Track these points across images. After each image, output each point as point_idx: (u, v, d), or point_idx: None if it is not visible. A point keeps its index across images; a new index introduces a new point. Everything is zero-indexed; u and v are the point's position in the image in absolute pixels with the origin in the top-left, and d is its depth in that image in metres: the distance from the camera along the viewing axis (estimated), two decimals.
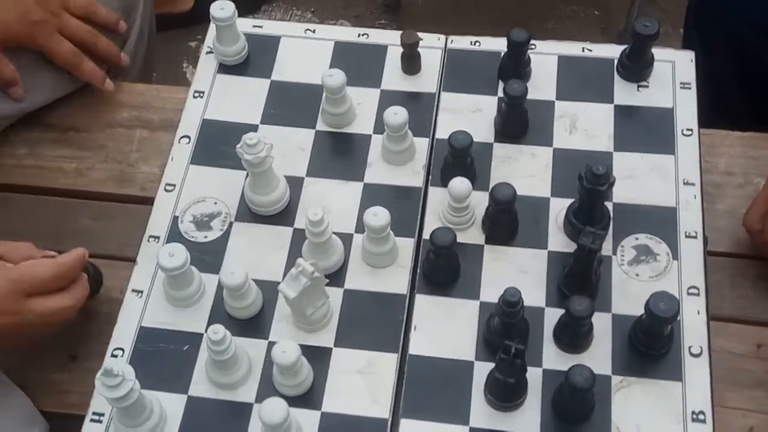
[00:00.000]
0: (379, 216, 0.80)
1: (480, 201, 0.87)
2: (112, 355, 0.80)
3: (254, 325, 0.82)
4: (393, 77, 0.97)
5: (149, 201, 0.91)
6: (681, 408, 0.76)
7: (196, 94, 0.96)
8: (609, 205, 0.85)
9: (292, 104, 0.95)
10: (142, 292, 0.84)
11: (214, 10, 0.93)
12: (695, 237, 0.84)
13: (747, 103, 1.04)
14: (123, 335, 0.81)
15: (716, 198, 0.90)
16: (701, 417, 0.75)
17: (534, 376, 0.77)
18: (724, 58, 1.03)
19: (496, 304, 0.76)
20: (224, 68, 0.98)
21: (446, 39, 0.99)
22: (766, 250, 0.83)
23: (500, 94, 0.94)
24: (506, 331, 0.77)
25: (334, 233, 0.84)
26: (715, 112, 0.98)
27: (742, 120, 1.02)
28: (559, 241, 0.85)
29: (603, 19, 1.91)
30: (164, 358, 0.80)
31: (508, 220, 0.84)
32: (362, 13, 1.97)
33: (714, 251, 0.86)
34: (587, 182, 0.79)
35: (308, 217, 0.79)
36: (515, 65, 0.94)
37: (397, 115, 0.86)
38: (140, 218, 0.90)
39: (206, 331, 0.80)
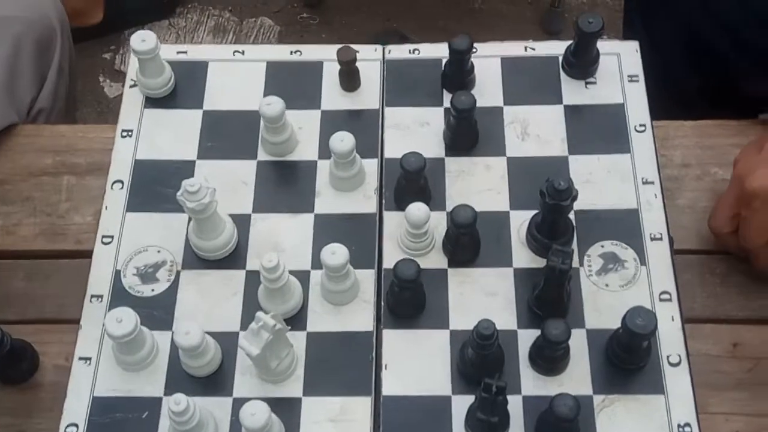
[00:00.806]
0: (337, 254, 0.76)
1: (438, 222, 0.83)
2: None
3: (216, 383, 0.77)
4: (332, 95, 0.92)
5: (86, 254, 0.85)
6: (666, 422, 0.74)
7: (125, 133, 0.90)
8: (570, 214, 0.83)
9: (229, 135, 0.90)
10: (90, 359, 0.78)
11: (135, 42, 0.87)
12: (661, 239, 0.82)
13: (697, 84, 1.03)
14: (75, 409, 0.76)
15: (675, 193, 0.88)
16: (687, 430, 0.73)
17: (514, 404, 0.74)
18: (669, 40, 1.01)
19: (470, 336, 0.73)
20: (151, 101, 0.92)
21: (383, 49, 0.94)
22: (737, 250, 0.82)
23: (446, 104, 0.90)
24: (481, 362, 0.73)
25: (290, 271, 0.80)
26: (666, 96, 0.96)
27: (694, 101, 1.00)
28: (523, 256, 0.82)
29: None
30: (123, 428, 0.75)
31: (470, 242, 0.81)
32: (283, 7, 1.90)
33: (679, 249, 0.84)
34: (550, 198, 0.76)
35: (263, 264, 0.75)
36: (458, 74, 0.90)
37: (344, 141, 0.82)
38: (78, 274, 0.84)
39: (164, 393, 0.76)
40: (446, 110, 0.90)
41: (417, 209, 0.78)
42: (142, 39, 0.87)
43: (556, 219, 0.78)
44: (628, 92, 0.90)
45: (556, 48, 0.93)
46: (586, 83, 0.91)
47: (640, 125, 0.88)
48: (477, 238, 0.81)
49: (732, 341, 0.81)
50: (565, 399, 0.68)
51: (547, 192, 0.76)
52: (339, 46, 0.92)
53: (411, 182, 0.82)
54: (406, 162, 0.81)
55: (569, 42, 0.92)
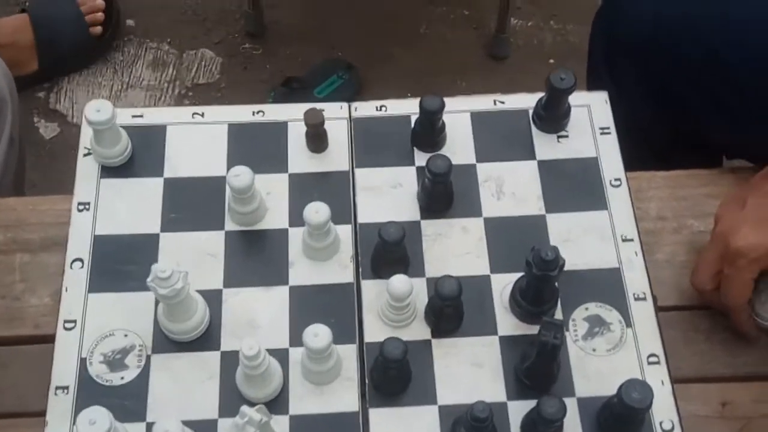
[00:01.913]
0: (320, 336, 0.72)
1: (419, 290, 0.81)
2: None
3: None
4: (299, 157, 0.88)
5: (46, 339, 0.80)
6: None
7: (81, 207, 0.85)
8: None
9: (193, 204, 0.85)
10: None
11: (90, 112, 0.82)
12: (644, 299, 0.81)
13: (664, 132, 1.02)
14: None
15: (654, 247, 0.87)
16: None
17: None
18: (635, 88, 1.00)
19: (464, 416, 0.70)
20: (108, 170, 0.87)
21: (350, 107, 0.91)
22: (721, 307, 0.81)
23: (418, 163, 0.88)
24: None
25: (268, 350, 0.76)
26: (635, 143, 0.95)
27: (664, 148, 1.00)
28: (507, 323, 0.80)
29: (474, 18, 1.87)
30: None
31: (454, 312, 0.78)
32: (224, 38, 1.85)
33: (662, 306, 0.83)
34: (537, 269, 0.74)
35: (243, 352, 0.71)
36: (429, 133, 0.87)
37: (319, 213, 0.78)
38: (39, 362, 0.79)
39: None
40: (419, 169, 0.87)
41: (400, 282, 0.76)
42: (96, 109, 0.82)
43: (542, 287, 0.76)
44: (601, 145, 0.89)
45: (526, 101, 0.91)
46: (558, 137, 0.90)
47: (615, 179, 0.87)
48: (461, 307, 0.79)
49: (720, 401, 0.80)
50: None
51: (533, 262, 0.74)
52: (304, 106, 0.89)
53: (390, 252, 0.79)
54: (385, 233, 0.78)
55: (539, 95, 0.90)
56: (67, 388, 0.76)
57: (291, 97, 1.71)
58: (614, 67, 1.01)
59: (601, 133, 0.90)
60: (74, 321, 0.79)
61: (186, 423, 0.74)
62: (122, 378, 0.77)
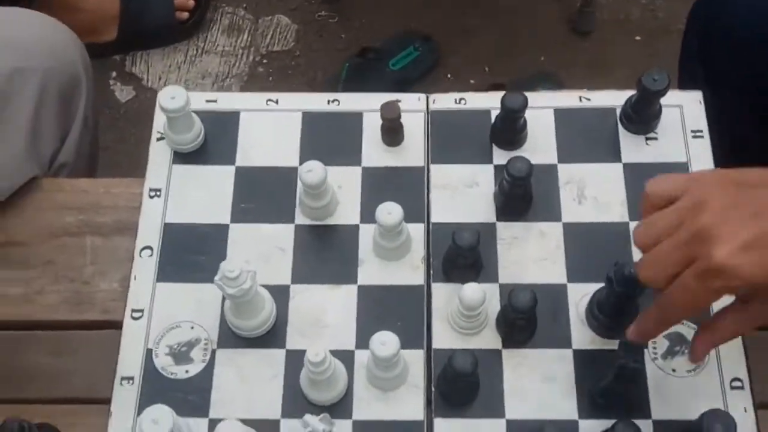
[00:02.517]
0: (387, 345, 0.70)
1: (491, 295, 0.78)
2: None
3: None
4: (373, 150, 0.86)
5: (113, 325, 0.80)
6: None
7: (152, 193, 0.84)
8: None
9: (263, 195, 0.84)
10: None
11: (164, 99, 0.81)
12: None
13: (762, 140, 0.96)
14: None
15: None
16: None
17: None
18: (732, 90, 0.94)
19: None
20: (180, 156, 0.86)
21: (427, 99, 0.88)
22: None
23: (496, 161, 0.84)
24: None
25: (333, 351, 0.75)
26: (726, 152, 0.89)
27: (759, 160, 0.94)
28: (583, 336, 0.77)
29: None
30: None
31: (527, 324, 0.75)
32: (300, 4, 1.82)
33: None
34: (618, 285, 0.70)
35: (309, 359, 0.69)
36: (510, 131, 0.83)
37: (392, 214, 0.76)
38: (106, 348, 0.78)
39: None
40: (497, 168, 0.84)
41: (472, 291, 0.73)
42: (171, 96, 0.81)
43: (623, 304, 0.73)
44: (692, 149, 0.84)
45: (614, 99, 0.87)
46: (647, 139, 0.85)
47: None
48: (534, 318, 0.76)
49: None
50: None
51: (615, 278, 0.70)
52: (380, 96, 0.86)
53: (463, 257, 0.76)
54: (459, 238, 0.75)
55: (627, 93, 0.85)
56: (132, 378, 0.76)
57: (365, 68, 1.68)
58: (710, 67, 0.95)
59: (693, 137, 0.85)
60: (142, 310, 0.79)
61: (248, 422, 0.73)
62: (187, 372, 0.76)
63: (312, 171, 0.78)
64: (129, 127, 1.69)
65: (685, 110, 0.86)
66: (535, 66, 1.70)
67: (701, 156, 0.84)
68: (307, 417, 0.66)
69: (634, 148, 0.85)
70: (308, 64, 1.75)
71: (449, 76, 1.73)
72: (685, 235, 0.59)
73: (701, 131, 0.85)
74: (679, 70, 1.03)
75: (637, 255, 0.78)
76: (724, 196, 0.59)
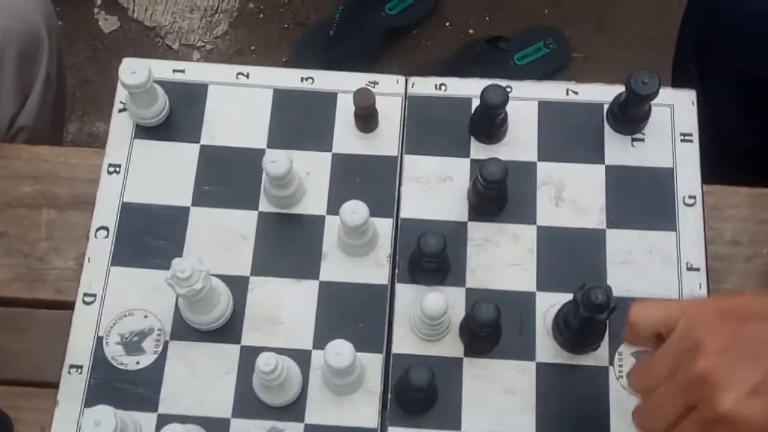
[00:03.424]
0: (343, 356, 0.68)
1: (456, 300, 0.75)
2: None
3: None
4: (346, 135, 0.82)
5: (66, 305, 0.77)
6: None
7: (111, 169, 0.80)
8: None
9: (228, 177, 0.80)
10: None
11: (124, 74, 0.76)
12: None
13: (755, 141, 0.91)
14: None
15: (722, 275, 0.79)
16: None
17: None
18: (725, 91, 0.89)
19: None
20: (142, 131, 0.82)
21: (406, 82, 0.83)
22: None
23: (473, 155, 0.81)
24: None
25: (289, 350, 0.73)
26: (718, 151, 0.86)
27: (752, 160, 0.90)
28: (548, 349, 0.74)
29: None
30: None
31: (489, 336, 0.73)
32: None
33: None
34: (584, 309, 0.67)
35: (259, 367, 0.67)
36: (489, 126, 0.79)
37: (356, 214, 0.72)
38: (58, 329, 0.76)
39: None
40: (473, 163, 0.80)
41: (435, 303, 0.70)
42: (132, 70, 0.76)
43: (588, 327, 0.70)
44: (680, 154, 0.80)
45: (603, 94, 0.82)
46: (633, 140, 0.81)
47: (690, 197, 0.79)
48: (498, 329, 0.73)
49: None
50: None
51: (581, 302, 0.67)
52: (356, 75, 0.82)
53: (428, 263, 0.73)
54: (424, 244, 0.71)
55: (618, 88, 0.81)
56: (81, 367, 0.74)
57: (359, 12, 1.59)
58: (704, 67, 0.90)
59: (682, 140, 0.81)
60: (94, 295, 0.76)
61: (198, 419, 0.72)
62: (138, 363, 0.74)
63: (276, 162, 0.74)
64: (111, 59, 1.64)
65: (676, 111, 0.82)
66: (538, 19, 1.63)
67: (688, 162, 0.80)
68: None
69: (618, 149, 0.81)
70: (301, 3, 1.68)
71: (448, 24, 1.66)
72: (684, 381, 0.55)
73: (690, 135, 0.81)
74: (673, 70, 0.98)
75: (611, 268, 0.76)
76: (719, 335, 0.55)
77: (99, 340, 0.75)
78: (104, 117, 1.54)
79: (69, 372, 0.74)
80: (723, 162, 0.86)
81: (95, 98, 1.58)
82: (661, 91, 0.79)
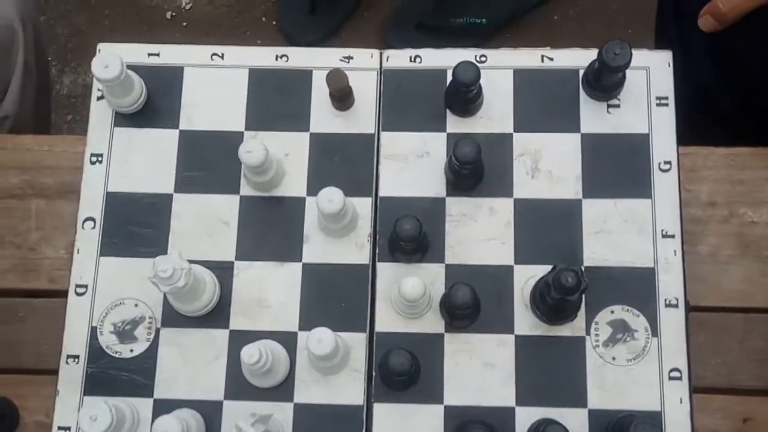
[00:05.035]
0: (324, 343, 0.70)
1: (436, 277, 0.77)
2: None
3: None
4: (322, 114, 0.82)
5: (61, 294, 0.80)
6: None
7: (94, 159, 0.82)
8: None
9: (208, 162, 0.81)
10: (69, 429, 0.75)
11: (97, 68, 0.77)
12: (676, 306, 0.76)
13: (734, 100, 0.91)
14: None
15: (697, 237, 0.81)
16: None
17: None
18: (704, 55, 0.88)
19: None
20: (122, 118, 0.82)
21: (381, 56, 0.83)
22: None
23: (449, 129, 0.81)
24: None
25: (276, 333, 0.76)
26: (698, 109, 0.85)
27: (731, 118, 0.89)
28: (527, 321, 0.76)
29: None
30: None
31: (468, 314, 0.75)
32: None
33: (695, 306, 0.78)
34: (555, 292, 0.69)
35: (243, 360, 0.70)
36: (463, 101, 0.79)
37: (333, 202, 0.73)
38: (53, 317, 0.79)
39: None
40: (449, 137, 0.81)
41: (412, 287, 0.72)
42: (104, 65, 0.76)
43: (562, 305, 0.72)
44: (655, 119, 0.80)
45: (578, 59, 0.82)
46: (609, 106, 0.81)
47: (665, 162, 0.79)
48: (477, 306, 0.75)
49: (743, 416, 0.76)
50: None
51: (552, 284, 0.69)
52: (331, 50, 0.82)
53: (406, 244, 0.75)
54: (400, 229, 0.73)
55: (593, 53, 0.80)
56: (77, 357, 0.77)
57: None
58: (683, 27, 0.89)
59: (658, 104, 0.81)
60: (86, 286, 0.79)
61: (192, 403, 0.75)
62: (131, 351, 0.77)
63: (252, 152, 0.75)
64: (101, 7, 1.62)
65: (652, 73, 0.81)
66: None
67: (664, 127, 0.80)
68: (240, 423, 0.68)
69: (594, 117, 0.81)
70: None
71: None
72: None
73: (666, 98, 0.80)
74: (655, 31, 0.96)
75: (587, 238, 0.77)
76: None
77: (93, 330, 0.78)
78: None
79: (67, 362, 0.77)
80: (703, 120, 0.85)
81: (87, 48, 1.58)
82: (637, 53, 0.79)
